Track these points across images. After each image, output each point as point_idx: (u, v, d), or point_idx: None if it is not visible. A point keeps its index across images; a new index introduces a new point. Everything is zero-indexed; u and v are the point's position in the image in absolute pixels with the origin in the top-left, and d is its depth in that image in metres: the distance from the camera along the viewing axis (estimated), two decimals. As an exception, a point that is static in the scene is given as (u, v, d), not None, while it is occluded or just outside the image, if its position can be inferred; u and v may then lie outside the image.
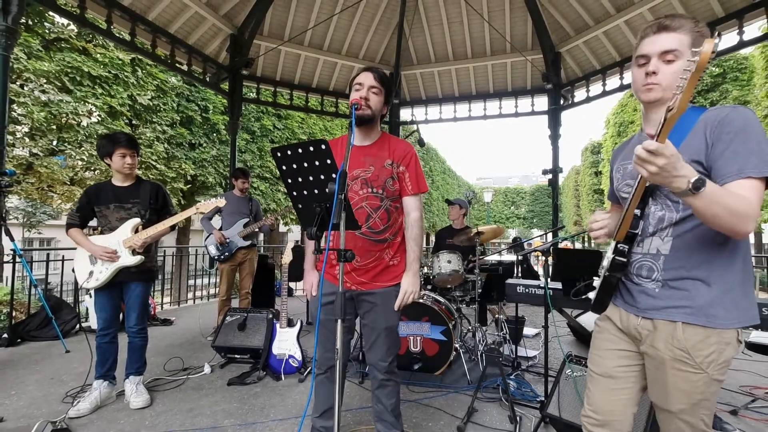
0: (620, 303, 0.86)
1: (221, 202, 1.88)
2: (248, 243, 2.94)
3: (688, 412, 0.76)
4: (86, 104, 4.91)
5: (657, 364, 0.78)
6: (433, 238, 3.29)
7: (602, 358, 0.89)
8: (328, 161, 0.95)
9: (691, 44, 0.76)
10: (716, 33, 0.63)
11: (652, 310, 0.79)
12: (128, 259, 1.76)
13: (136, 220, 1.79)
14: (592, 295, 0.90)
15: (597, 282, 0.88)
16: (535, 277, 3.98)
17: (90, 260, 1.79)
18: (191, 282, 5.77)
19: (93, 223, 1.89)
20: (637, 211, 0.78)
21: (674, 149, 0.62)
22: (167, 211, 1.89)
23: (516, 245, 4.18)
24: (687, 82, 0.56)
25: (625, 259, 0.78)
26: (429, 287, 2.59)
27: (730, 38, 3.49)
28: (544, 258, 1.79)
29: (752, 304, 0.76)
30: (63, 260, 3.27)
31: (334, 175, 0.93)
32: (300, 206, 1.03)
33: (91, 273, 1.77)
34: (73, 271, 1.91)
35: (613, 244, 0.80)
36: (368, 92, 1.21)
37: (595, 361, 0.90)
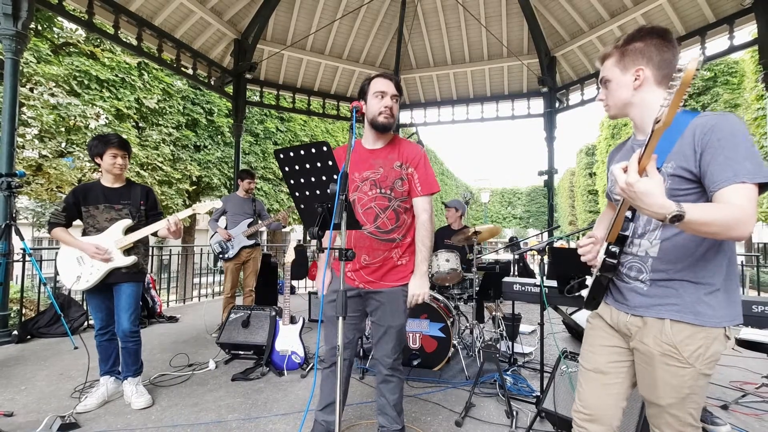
0: (611, 301, 0.88)
1: (217, 203, 1.92)
2: (252, 242, 3.00)
3: (677, 406, 0.78)
4: (94, 107, 5.00)
5: (646, 359, 0.80)
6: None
7: (594, 354, 0.90)
8: (330, 163, 0.98)
9: (617, 60, 0.84)
10: (700, 52, 0.65)
11: (642, 308, 0.81)
12: (121, 260, 1.72)
13: (128, 221, 1.76)
14: (584, 292, 0.92)
15: (589, 280, 0.90)
16: (531, 275, 4.02)
17: (78, 261, 1.73)
18: (197, 280, 5.87)
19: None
20: (629, 213, 0.78)
21: (648, 185, 0.62)
22: (156, 212, 1.86)
23: (512, 244, 4.25)
24: (673, 97, 0.58)
25: (615, 261, 0.79)
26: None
27: (721, 43, 3.56)
28: (539, 257, 1.84)
29: (737, 303, 0.77)
30: (70, 260, 3.34)
31: (335, 176, 0.95)
32: (302, 206, 1.05)
33: (79, 275, 1.71)
34: (56, 274, 1.81)
35: (605, 245, 0.81)
36: (392, 101, 1.23)
37: (587, 357, 0.92)
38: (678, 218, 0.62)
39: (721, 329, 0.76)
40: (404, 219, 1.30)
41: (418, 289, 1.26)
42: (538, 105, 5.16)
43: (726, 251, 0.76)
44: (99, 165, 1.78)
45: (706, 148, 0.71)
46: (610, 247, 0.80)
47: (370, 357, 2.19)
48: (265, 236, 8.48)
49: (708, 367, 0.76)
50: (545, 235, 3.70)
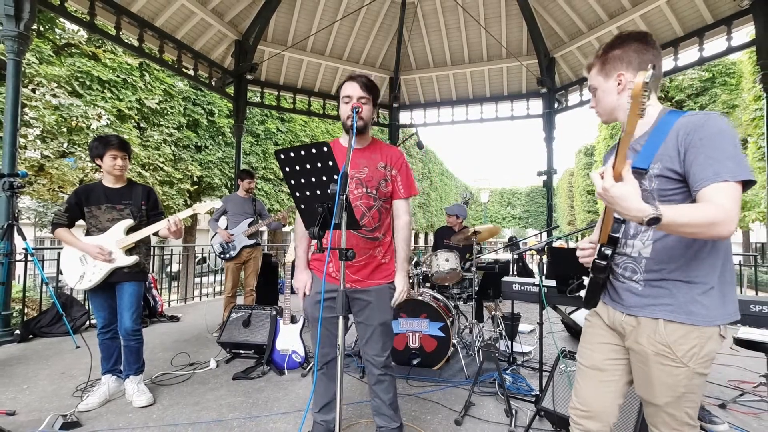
0: (608, 300, 0.89)
1: (217, 203, 1.95)
2: (253, 242, 3.02)
3: (673, 405, 0.78)
4: (96, 108, 5.01)
5: (641, 359, 0.81)
6: (431, 237, 3.36)
7: (592, 351, 0.91)
8: (330, 163, 0.98)
9: (600, 68, 0.87)
10: (650, 66, 0.62)
11: (636, 308, 0.82)
12: (123, 260, 1.75)
13: (129, 222, 1.77)
14: (583, 293, 0.93)
15: (587, 281, 0.89)
16: (530, 275, 4.04)
17: (81, 261, 1.75)
18: (197, 280, 5.88)
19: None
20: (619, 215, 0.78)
21: (623, 189, 0.65)
22: (157, 212, 1.87)
23: (512, 244, 4.27)
24: (628, 110, 0.61)
25: (604, 262, 0.80)
26: (428, 285, 2.66)
27: (719, 44, 3.57)
28: (538, 256, 1.85)
29: (732, 301, 0.78)
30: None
31: (335, 177, 0.95)
32: (303, 207, 1.06)
33: (82, 275, 1.74)
34: (58, 273, 1.89)
35: (598, 246, 0.83)
36: (358, 103, 1.24)
37: (585, 355, 0.93)
38: (655, 221, 0.64)
39: (716, 328, 0.76)
40: (384, 219, 1.34)
41: (404, 285, 1.33)
42: (537, 106, 5.18)
43: (720, 250, 0.77)
44: (100, 166, 1.81)
45: (689, 148, 0.72)
46: (602, 248, 0.81)
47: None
48: (265, 236, 8.51)
49: (703, 367, 0.76)
50: (544, 235, 3.72)
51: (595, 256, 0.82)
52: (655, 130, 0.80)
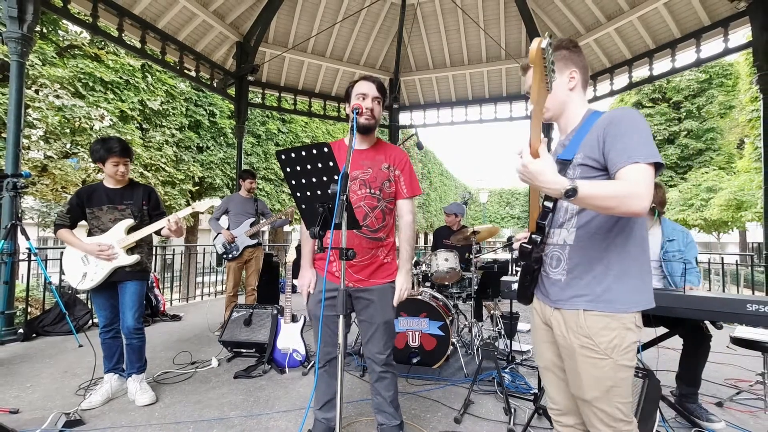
0: (540, 295, 0.91)
1: (215, 201, 1.94)
2: (254, 242, 3.03)
3: (603, 400, 0.79)
4: (98, 109, 5.04)
5: (569, 353, 0.82)
6: (431, 237, 3.38)
7: (540, 351, 0.93)
8: (331, 163, 1.00)
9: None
10: (547, 34, 0.66)
11: (560, 301, 0.84)
12: (125, 259, 1.76)
13: (129, 221, 1.79)
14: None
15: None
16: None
17: (82, 261, 1.77)
18: (199, 279, 5.91)
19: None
20: (549, 204, 0.84)
21: (539, 165, 0.70)
22: (159, 212, 1.88)
23: (510, 244, 4.26)
24: (537, 87, 0.67)
25: (530, 247, 0.84)
26: (428, 284, 2.68)
27: (715, 45, 3.58)
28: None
29: (647, 289, 0.81)
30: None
31: (336, 177, 0.96)
32: (303, 206, 1.07)
33: (84, 274, 1.75)
34: (61, 273, 1.87)
35: (528, 234, 0.87)
36: (372, 103, 1.27)
37: (537, 354, 0.95)
38: (572, 192, 0.68)
39: (632, 316, 0.79)
40: (388, 219, 1.35)
41: (405, 284, 1.33)
42: (536, 106, 5.21)
43: (634, 236, 0.81)
44: (101, 169, 1.82)
45: (606, 138, 0.79)
46: (531, 236, 0.85)
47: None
48: (266, 236, 8.55)
49: (627, 359, 0.78)
50: (543, 235, 3.72)
51: (525, 243, 0.85)
52: (581, 128, 0.87)
